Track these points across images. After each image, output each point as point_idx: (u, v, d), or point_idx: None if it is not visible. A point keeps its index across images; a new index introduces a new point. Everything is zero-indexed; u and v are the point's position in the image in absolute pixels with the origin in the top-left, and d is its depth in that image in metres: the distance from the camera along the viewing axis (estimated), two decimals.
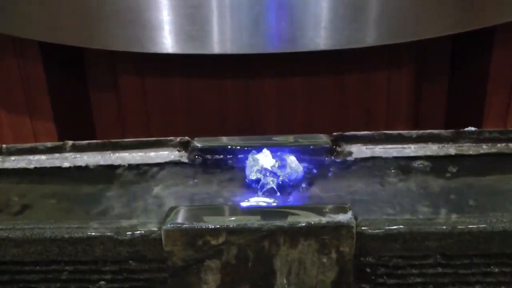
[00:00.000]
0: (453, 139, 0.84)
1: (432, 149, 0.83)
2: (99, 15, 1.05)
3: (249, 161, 0.76)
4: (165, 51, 1.05)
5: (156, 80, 1.32)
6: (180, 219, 0.65)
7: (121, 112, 1.36)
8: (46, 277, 0.68)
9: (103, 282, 0.68)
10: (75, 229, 0.66)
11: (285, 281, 0.66)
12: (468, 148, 0.83)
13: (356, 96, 1.33)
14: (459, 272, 0.68)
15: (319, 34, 1.03)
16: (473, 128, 0.84)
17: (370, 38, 1.06)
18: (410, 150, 0.83)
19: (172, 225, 0.64)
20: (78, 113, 1.35)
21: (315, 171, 0.78)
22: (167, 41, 1.04)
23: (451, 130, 0.84)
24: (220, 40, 1.03)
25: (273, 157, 0.76)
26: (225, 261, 0.65)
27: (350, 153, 0.82)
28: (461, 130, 0.84)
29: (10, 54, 1.25)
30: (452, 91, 1.35)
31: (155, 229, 0.65)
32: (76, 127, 1.34)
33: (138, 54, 1.14)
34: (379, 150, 0.83)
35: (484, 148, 0.83)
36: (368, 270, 0.67)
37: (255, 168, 0.74)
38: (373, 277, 0.68)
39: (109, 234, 0.65)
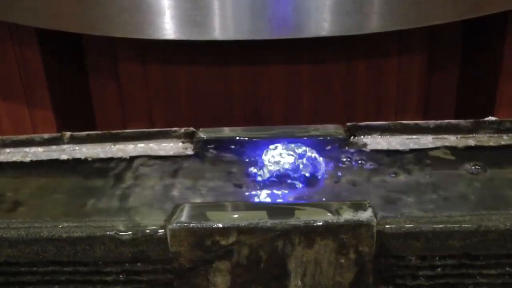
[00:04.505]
0: (472, 130, 0.81)
1: (451, 140, 0.80)
2: (98, 0, 1.02)
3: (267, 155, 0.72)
4: (167, 37, 1.03)
5: (159, 67, 1.30)
6: (186, 217, 0.61)
7: (122, 101, 1.34)
8: (43, 279, 0.65)
9: (104, 284, 0.65)
10: (74, 228, 0.62)
11: (299, 283, 0.63)
12: (489, 139, 0.80)
13: (366, 83, 1.31)
14: (484, 273, 0.65)
15: (326, 20, 1.00)
16: (493, 118, 0.81)
17: (378, 24, 1.04)
18: (428, 141, 0.80)
19: (178, 224, 0.61)
20: (77, 102, 1.34)
21: (329, 163, 0.74)
22: (169, 27, 1.02)
23: (470, 120, 0.82)
24: (224, 26, 1.02)
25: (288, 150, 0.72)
26: (236, 262, 0.62)
27: (365, 144, 0.79)
28: (481, 120, 0.81)
29: (6, 42, 1.24)
30: (463, 79, 1.34)
31: (160, 228, 0.61)
32: (75, 117, 1.33)
33: (139, 40, 1.12)
34: (395, 141, 0.80)
35: (505, 139, 0.80)
36: (388, 270, 0.64)
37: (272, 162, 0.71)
38: (393, 278, 0.64)
39: (110, 233, 0.62)
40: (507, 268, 0.64)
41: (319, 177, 0.71)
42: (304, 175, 0.70)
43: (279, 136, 0.76)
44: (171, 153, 0.79)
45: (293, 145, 0.72)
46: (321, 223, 0.60)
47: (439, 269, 0.64)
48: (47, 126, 1.27)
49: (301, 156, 0.71)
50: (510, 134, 0.80)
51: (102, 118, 1.36)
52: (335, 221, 0.60)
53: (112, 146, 0.80)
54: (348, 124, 0.81)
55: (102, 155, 0.79)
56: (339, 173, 0.73)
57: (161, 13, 1.00)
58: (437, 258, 0.63)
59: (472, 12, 1.07)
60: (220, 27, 1.01)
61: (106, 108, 1.35)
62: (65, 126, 1.24)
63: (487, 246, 0.62)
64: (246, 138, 0.78)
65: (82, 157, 0.79)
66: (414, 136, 0.81)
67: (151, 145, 0.80)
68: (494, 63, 1.25)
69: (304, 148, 0.72)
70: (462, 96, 1.35)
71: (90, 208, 0.67)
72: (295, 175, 0.70)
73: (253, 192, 0.69)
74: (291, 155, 0.71)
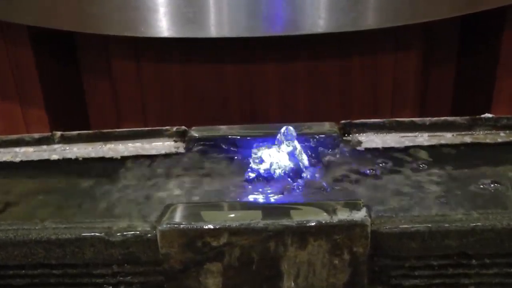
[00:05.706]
0: (468, 127, 0.80)
1: (447, 137, 0.80)
2: None
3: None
4: (160, 35, 1.02)
5: (152, 65, 1.28)
6: (177, 218, 0.60)
7: (115, 99, 1.32)
8: (32, 281, 0.64)
9: (93, 286, 0.64)
10: (63, 230, 0.62)
11: (293, 284, 0.62)
12: (485, 136, 0.80)
13: (362, 81, 1.30)
14: (480, 273, 0.64)
15: (321, 16, 0.99)
16: (490, 115, 0.80)
17: (374, 20, 1.03)
18: (423, 138, 0.80)
19: (168, 225, 0.60)
20: (70, 101, 1.32)
21: (322, 162, 0.73)
22: (163, 24, 1.01)
23: (467, 117, 0.81)
24: (218, 23, 1.00)
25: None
26: (227, 263, 0.61)
27: (359, 142, 0.79)
28: (477, 116, 0.81)
29: None
30: (460, 76, 1.33)
31: (150, 229, 0.60)
32: (68, 116, 1.31)
33: (133, 38, 1.11)
34: (390, 139, 0.80)
35: (502, 136, 0.80)
36: (383, 271, 0.63)
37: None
38: (388, 279, 0.63)
39: (100, 235, 0.61)
40: (504, 268, 0.63)
41: (313, 175, 0.70)
42: (296, 173, 0.69)
43: (272, 135, 0.75)
44: (163, 152, 0.78)
45: (285, 143, 0.71)
46: (314, 223, 0.59)
47: (435, 269, 0.63)
48: (40, 125, 1.25)
49: (291, 153, 0.70)
50: (507, 131, 0.80)
51: (96, 117, 1.34)
52: (328, 221, 0.59)
53: (104, 145, 0.80)
54: (343, 122, 0.80)
55: (93, 155, 0.78)
56: (333, 172, 0.71)
57: (154, 10, 0.99)
58: (433, 258, 0.62)
59: (468, 8, 1.06)
60: (214, 25, 1.00)
61: (100, 107, 1.33)
62: (58, 125, 1.22)
63: (484, 245, 0.61)
64: (238, 137, 0.77)
65: (73, 157, 0.78)
66: (410, 134, 0.80)
67: (142, 144, 0.80)
68: (492, 60, 1.24)
69: (293, 145, 0.71)
70: (459, 94, 1.34)
71: (80, 209, 0.66)
72: (288, 174, 0.69)
73: (245, 192, 0.68)
74: (283, 152, 0.70)
